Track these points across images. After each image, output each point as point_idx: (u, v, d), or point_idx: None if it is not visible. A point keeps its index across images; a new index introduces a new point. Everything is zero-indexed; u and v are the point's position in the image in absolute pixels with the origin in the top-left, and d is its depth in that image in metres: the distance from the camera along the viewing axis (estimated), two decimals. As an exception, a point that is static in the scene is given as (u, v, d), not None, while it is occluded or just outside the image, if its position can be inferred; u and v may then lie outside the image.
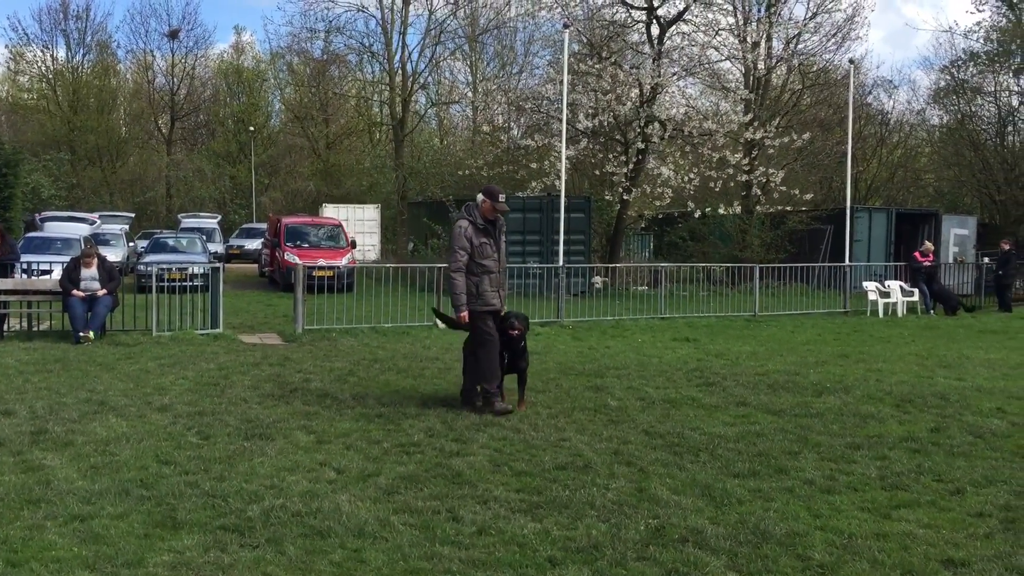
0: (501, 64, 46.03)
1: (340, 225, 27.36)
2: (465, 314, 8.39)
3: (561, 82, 20.61)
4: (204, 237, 29.25)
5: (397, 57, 43.24)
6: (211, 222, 39.13)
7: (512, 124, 36.52)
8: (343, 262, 22.60)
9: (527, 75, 41.36)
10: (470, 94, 45.93)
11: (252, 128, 52.46)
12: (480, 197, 8.62)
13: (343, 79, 50.64)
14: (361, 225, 37.71)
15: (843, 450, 7.06)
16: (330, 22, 42.39)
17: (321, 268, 18.93)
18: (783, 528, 5.17)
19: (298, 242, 24.91)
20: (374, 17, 42.62)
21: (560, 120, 21.36)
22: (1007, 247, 22.65)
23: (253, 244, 36.15)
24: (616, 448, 7.02)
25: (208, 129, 58.10)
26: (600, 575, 4.45)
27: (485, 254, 8.48)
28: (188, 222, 37.90)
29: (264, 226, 34.89)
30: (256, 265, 31.84)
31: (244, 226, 42.56)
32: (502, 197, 8.64)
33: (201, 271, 17.48)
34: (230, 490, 5.74)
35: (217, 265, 15.75)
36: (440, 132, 52.84)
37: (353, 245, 25.48)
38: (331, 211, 37.30)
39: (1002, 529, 5.26)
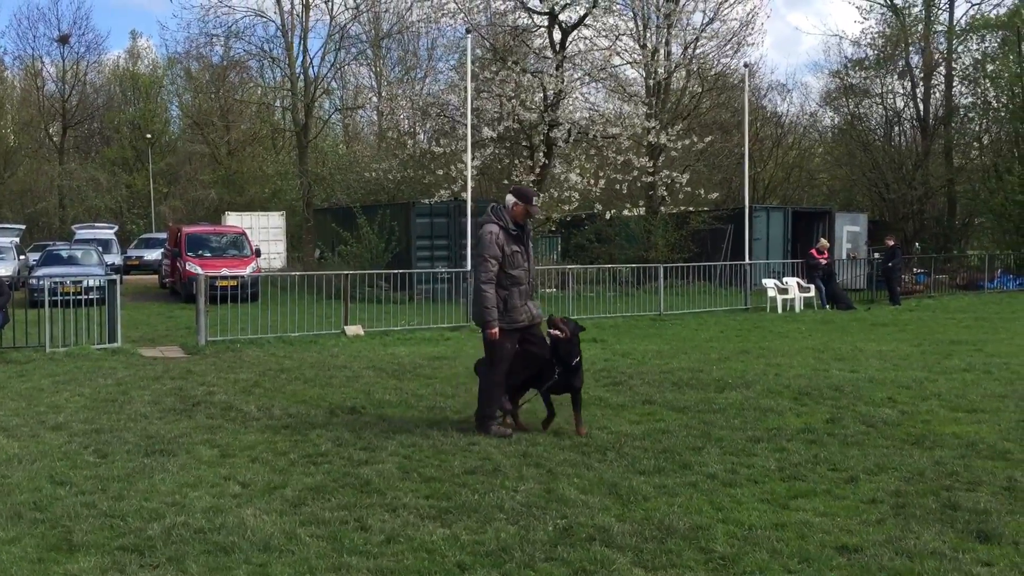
0: (405, 69, 45.78)
1: (244, 233, 26.81)
2: (496, 331, 7.53)
3: (465, 87, 20.66)
4: (100, 248, 28.27)
5: (299, 62, 42.56)
6: (107, 233, 37.81)
7: (418, 129, 36.42)
8: (247, 271, 22.15)
9: (432, 80, 41.26)
10: (375, 99, 45.63)
11: (149, 135, 50.97)
12: (510, 199, 7.74)
13: (244, 85, 49.64)
14: (266, 233, 37.04)
15: (744, 444, 7.27)
16: (229, 27, 41.49)
17: (224, 278, 18.49)
18: (687, 522, 5.29)
19: (200, 251, 24.31)
20: (273, 22, 41.86)
21: (465, 125, 21.41)
22: (892, 243, 23.67)
23: (153, 255, 35.16)
24: (525, 450, 7.07)
25: (102, 136, 56.21)
26: (509, 577, 4.48)
27: (516, 263, 7.65)
28: (83, 233, 36.55)
29: (164, 236, 33.93)
30: (156, 276, 30.96)
31: (143, 236, 41.35)
32: (536, 200, 7.88)
33: (97, 284, 16.89)
34: (129, 509, 5.58)
35: (114, 277, 15.25)
36: (345, 138, 52.27)
37: (258, 254, 25.02)
38: (234, 219, 36.56)
39: (893, 514, 5.49)
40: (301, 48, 42.47)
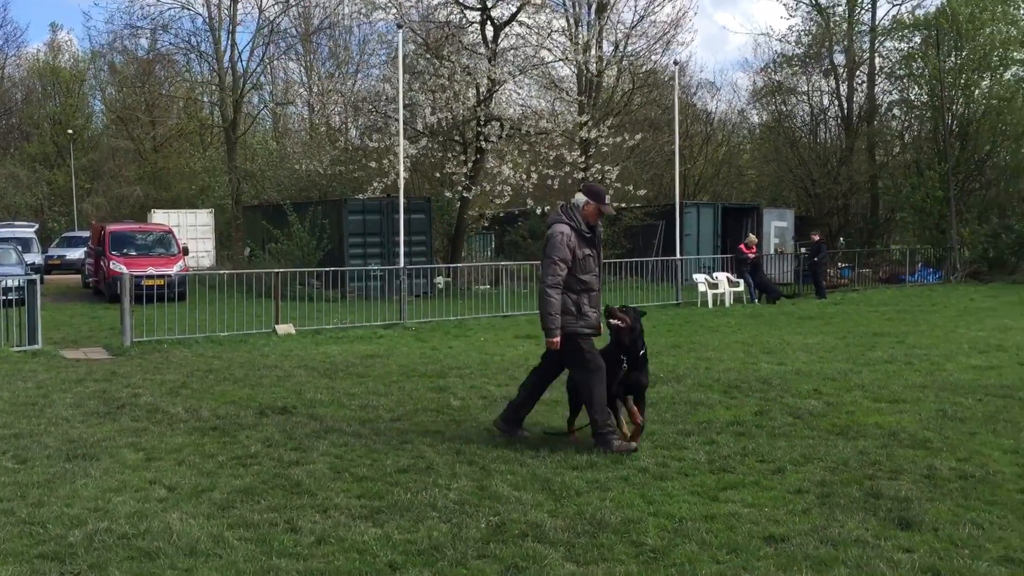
0: (337, 64, 45.25)
1: (170, 231, 26.21)
2: (556, 340, 6.93)
3: (398, 81, 20.54)
4: (19, 247, 27.31)
5: (227, 57, 41.83)
6: (27, 231, 36.55)
7: (350, 124, 36.08)
8: (174, 270, 21.65)
9: (364, 75, 40.88)
10: (305, 94, 45.02)
11: (71, 131, 49.49)
12: (582, 198, 7.14)
13: (171, 79, 48.54)
14: (194, 231, 36.30)
15: (675, 437, 7.35)
16: (154, 19, 40.53)
17: (150, 277, 18.07)
18: (619, 516, 5.33)
19: (125, 250, 23.69)
20: (201, 15, 41.01)
21: (397, 120, 21.27)
22: (817, 238, 24.24)
23: (75, 253, 34.14)
24: (458, 448, 7.05)
25: (22, 132, 54.37)
26: (441, 576, 4.46)
27: (588, 268, 7.05)
28: (1, 232, 35.33)
29: (87, 234, 33.00)
30: (79, 276, 30.09)
31: (65, 235, 40.13)
32: (609, 199, 7.30)
33: (16, 284, 16.33)
34: (49, 516, 5.41)
35: (34, 277, 14.77)
36: (276, 133, 51.48)
37: (185, 252, 24.48)
38: (160, 217, 35.73)
39: (818, 504, 5.61)
40: (229, 42, 41.79)
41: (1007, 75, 33.06)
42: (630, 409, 7.06)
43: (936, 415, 8.06)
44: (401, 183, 20.20)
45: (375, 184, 25.69)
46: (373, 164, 25.68)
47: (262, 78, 45.21)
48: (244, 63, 42.67)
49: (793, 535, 5.02)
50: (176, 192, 45.72)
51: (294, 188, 31.47)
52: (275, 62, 45.01)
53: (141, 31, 41.91)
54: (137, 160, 49.71)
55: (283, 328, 15.21)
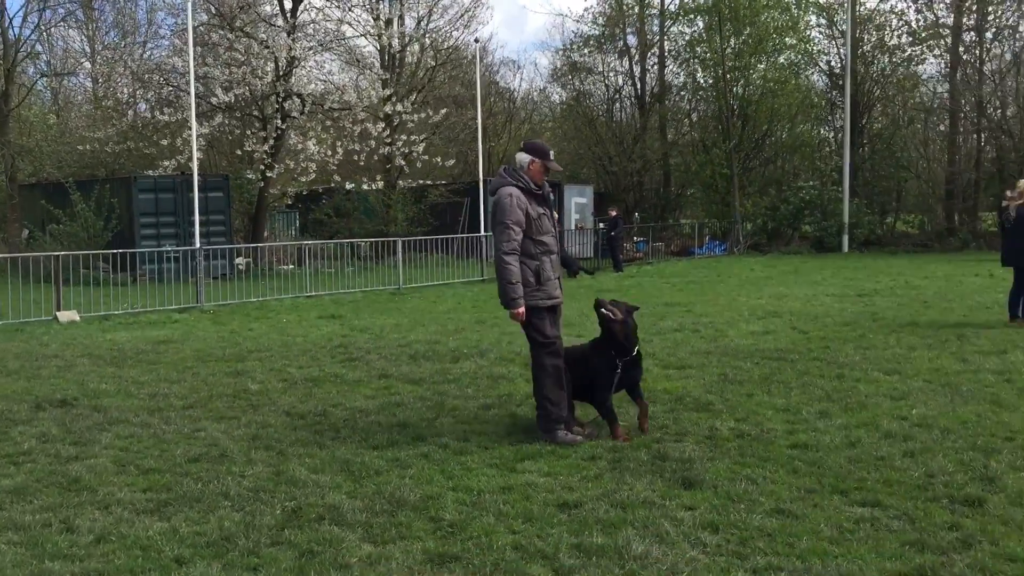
0: (122, 33, 42.51)
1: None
2: (522, 311, 6.47)
3: (188, 54, 19.54)
4: None
5: (-5, 22, 38.28)
6: None
7: (139, 98, 34.04)
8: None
9: (153, 46, 38.65)
10: (88, 65, 42.00)
11: None
12: (525, 156, 6.64)
13: (-71, 44, 43.90)
14: (-37, 211, 33.16)
15: (476, 411, 7.45)
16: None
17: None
18: (418, 493, 5.34)
19: None
20: (-37, -26, 37.26)
21: (189, 93, 20.26)
22: (614, 213, 25.22)
23: None
24: (255, 433, 6.84)
25: None
26: (231, 567, 4.30)
27: (544, 228, 6.60)
28: None
29: None
30: None
31: None
32: (552, 154, 6.81)
33: None
34: None
35: None
36: (56, 107, 47.78)
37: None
38: (-78, 196, 32.42)
39: (610, 469, 5.83)
40: (-1, 6, 38.24)
41: (780, 59, 35.52)
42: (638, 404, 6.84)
43: (718, 379, 8.58)
44: (195, 160, 19.31)
45: (167, 163, 24.41)
46: (165, 142, 24.38)
47: (38, 46, 41.73)
48: (16, 30, 39.20)
49: (586, 500, 5.20)
50: (-60, 169, 41.57)
51: (77, 165, 29.39)
52: (52, 29, 41.66)
53: None
54: None
55: (65, 315, 14.22)
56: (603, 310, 6.71)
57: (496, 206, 6.57)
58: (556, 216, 6.93)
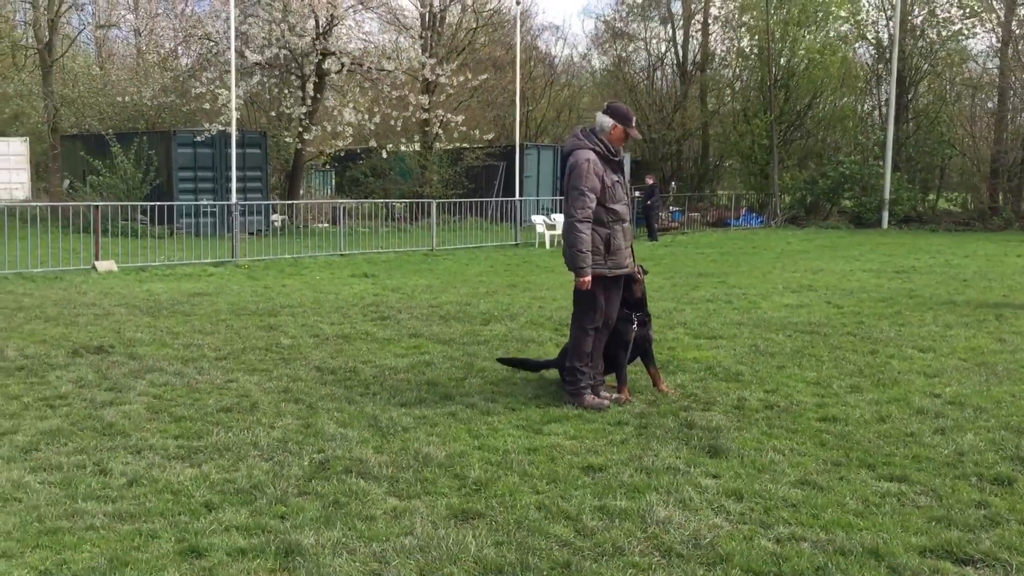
0: (165, -14, 42.58)
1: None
2: (589, 279, 6.33)
3: (229, 9, 19.56)
4: None
5: (42, -28, 38.56)
6: None
7: (180, 52, 34.16)
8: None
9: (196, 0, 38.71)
10: (132, 18, 42.19)
11: None
12: (606, 120, 6.47)
13: (-24, -7, 44.32)
14: (6, 160, 33.59)
15: (505, 373, 7.47)
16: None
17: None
18: (444, 451, 5.38)
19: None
20: (11, -76, 37.55)
21: (229, 50, 20.31)
22: (651, 181, 25.01)
23: None
24: (286, 386, 6.92)
25: None
26: (259, 514, 4.37)
27: (617, 196, 6.45)
28: None
29: None
30: None
31: None
32: (635, 120, 6.63)
33: None
34: None
35: None
36: (100, 59, 48.13)
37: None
38: (-35, 144, 32.93)
39: (636, 434, 5.84)
40: (43, -44, 38.48)
41: (829, 31, 34.82)
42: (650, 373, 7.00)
43: (749, 350, 8.53)
44: (233, 115, 19.37)
45: (208, 126, 24.54)
46: (207, 106, 24.46)
47: (82, -3, 41.96)
48: (61, -20, 39.43)
49: (610, 464, 5.21)
50: (-16, 117, 42.14)
51: (118, 118, 29.62)
52: (97, -20, 41.87)
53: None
54: (-62, 81, 45.45)
55: (104, 265, 14.42)
56: (639, 277, 6.89)
57: (573, 170, 6.42)
58: (627, 184, 6.77)
